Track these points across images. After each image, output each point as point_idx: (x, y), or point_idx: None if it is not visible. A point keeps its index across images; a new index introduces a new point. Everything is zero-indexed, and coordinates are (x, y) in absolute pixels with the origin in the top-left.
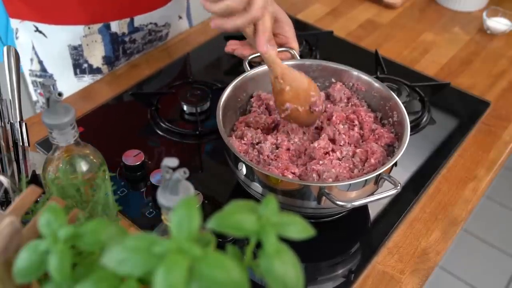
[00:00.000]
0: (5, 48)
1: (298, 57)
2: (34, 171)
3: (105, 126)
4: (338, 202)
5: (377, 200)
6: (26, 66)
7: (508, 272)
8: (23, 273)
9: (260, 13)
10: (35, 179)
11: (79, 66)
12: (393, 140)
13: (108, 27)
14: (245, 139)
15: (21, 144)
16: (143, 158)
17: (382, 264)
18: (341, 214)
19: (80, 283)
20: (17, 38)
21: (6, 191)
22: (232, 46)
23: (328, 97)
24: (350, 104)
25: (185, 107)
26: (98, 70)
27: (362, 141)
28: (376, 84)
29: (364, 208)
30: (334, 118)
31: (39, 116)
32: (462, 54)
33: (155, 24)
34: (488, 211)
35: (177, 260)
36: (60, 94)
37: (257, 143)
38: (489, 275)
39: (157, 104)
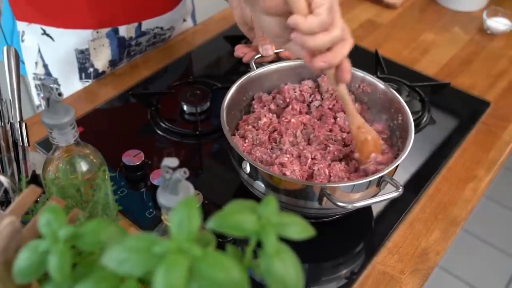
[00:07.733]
0: (5, 48)
1: None
2: (34, 171)
3: (105, 126)
4: (338, 203)
5: (378, 202)
6: (31, 69)
7: (508, 272)
8: (23, 273)
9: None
10: (35, 179)
11: (85, 70)
12: (389, 160)
13: (116, 31)
14: (247, 140)
15: (21, 144)
16: (143, 158)
17: (382, 264)
18: (343, 215)
19: (80, 283)
20: (23, 41)
21: (6, 191)
22: (242, 50)
23: (318, 88)
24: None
25: (185, 107)
26: (103, 74)
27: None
28: (381, 86)
29: (367, 209)
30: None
31: (39, 116)
32: (462, 54)
33: (161, 28)
34: (488, 211)
35: (177, 260)
36: (60, 94)
37: (259, 144)
38: (489, 275)
39: (157, 104)
